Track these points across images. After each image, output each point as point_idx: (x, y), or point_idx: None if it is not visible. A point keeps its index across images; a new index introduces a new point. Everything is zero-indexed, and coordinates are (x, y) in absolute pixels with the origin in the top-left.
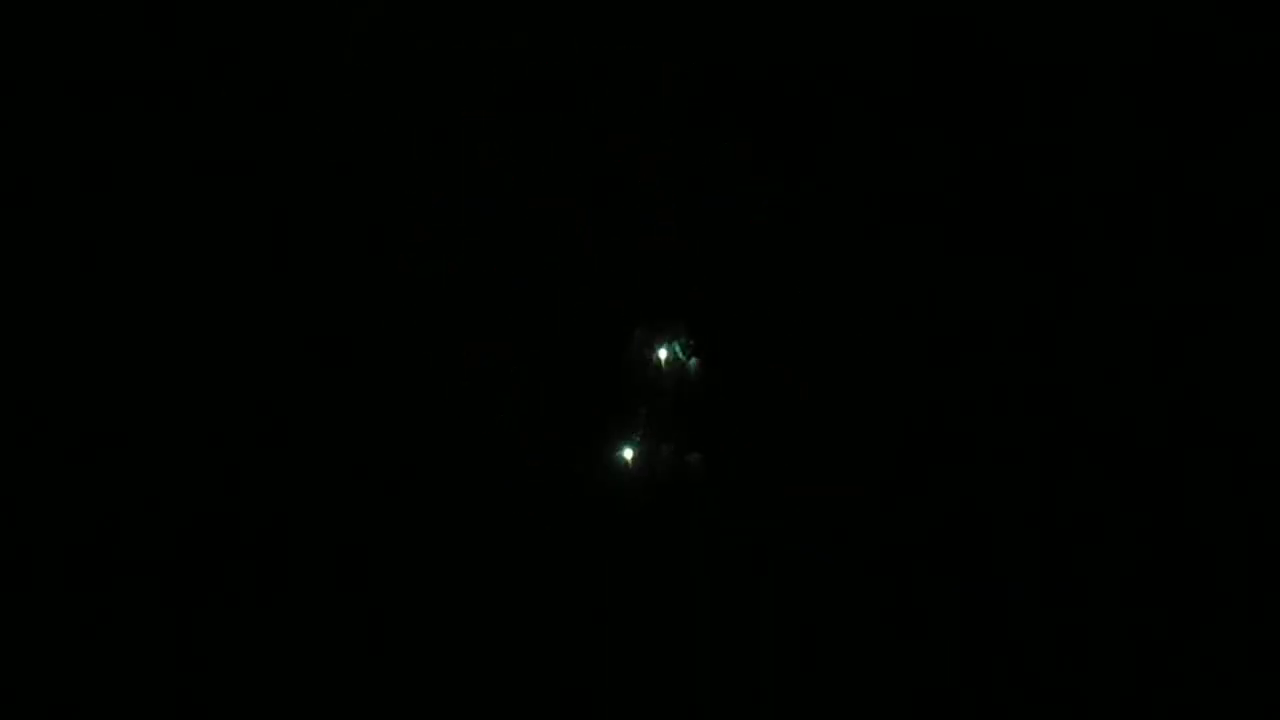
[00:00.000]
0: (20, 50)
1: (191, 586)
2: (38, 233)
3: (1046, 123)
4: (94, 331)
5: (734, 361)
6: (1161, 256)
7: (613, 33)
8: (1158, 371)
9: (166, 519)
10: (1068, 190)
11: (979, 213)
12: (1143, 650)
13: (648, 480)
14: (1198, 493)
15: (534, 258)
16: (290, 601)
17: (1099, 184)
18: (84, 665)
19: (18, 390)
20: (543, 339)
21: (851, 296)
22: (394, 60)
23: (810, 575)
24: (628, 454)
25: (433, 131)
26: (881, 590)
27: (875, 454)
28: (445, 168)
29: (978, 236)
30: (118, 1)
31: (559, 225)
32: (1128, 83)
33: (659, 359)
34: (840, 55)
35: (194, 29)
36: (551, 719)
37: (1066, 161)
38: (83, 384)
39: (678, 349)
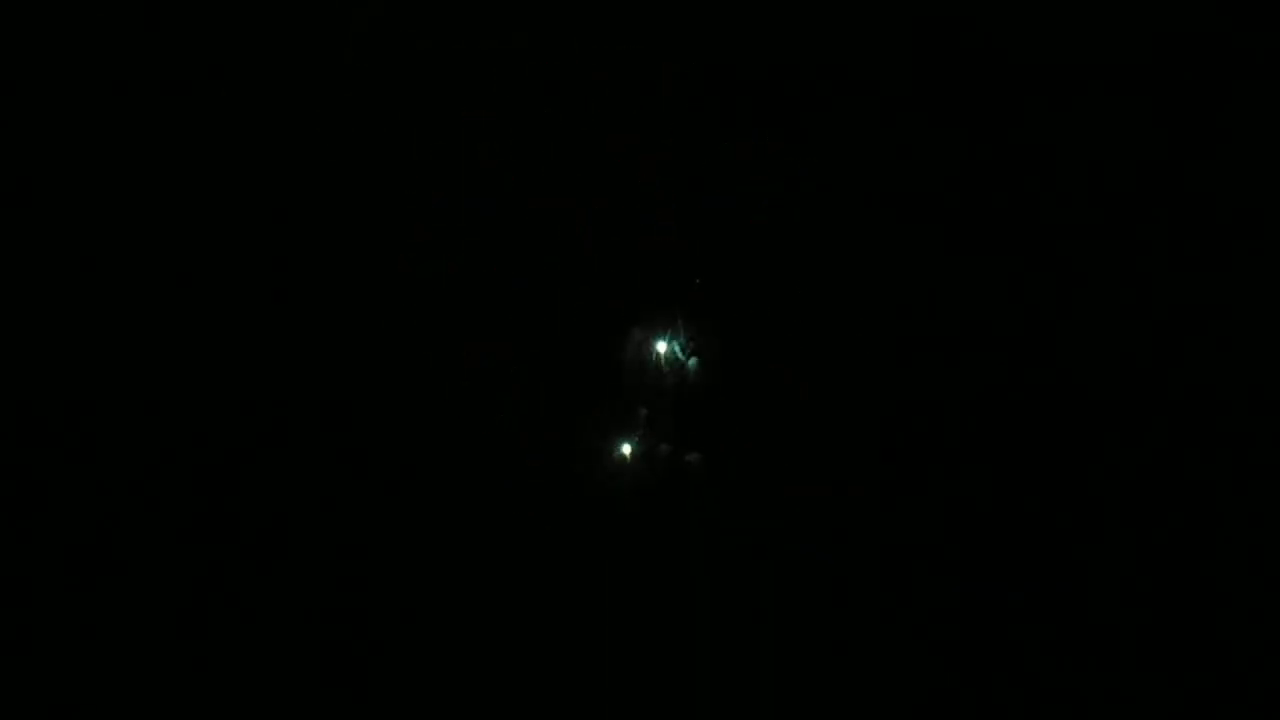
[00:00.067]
0: (20, 50)
1: (191, 586)
2: (38, 233)
3: (1047, 123)
4: (94, 331)
5: (734, 361)
6: (1161, 256)
7: (613, 33)
8: (1158, 371)
9: (166, 519)
10: (1068, 190)
11: (979, 212)
12: (1143, 650)
13: (647, 480)
14: (1198, 493)
15: (534, 258)
16: (290, 600)
17: (1099, 184)
18: (84, 665)
19: (18, 390)
20: (543, 339)
21: (851, 296)
22: (394, 60)
23: (810, 575)
24: (627, 453)
25: (433, 131)
26: (881, 590)
27: (875, 454)
28: (445, 168)
29: (978, 236)
30: (118, 1)
31: (559, 225)
32: (1128, 83)
33: (658, 359)
34: (840, 55)
35: (194, 29)
36: (551, 719)
37: (1067, 161)
38: (83, 384)
39: (677, 349)
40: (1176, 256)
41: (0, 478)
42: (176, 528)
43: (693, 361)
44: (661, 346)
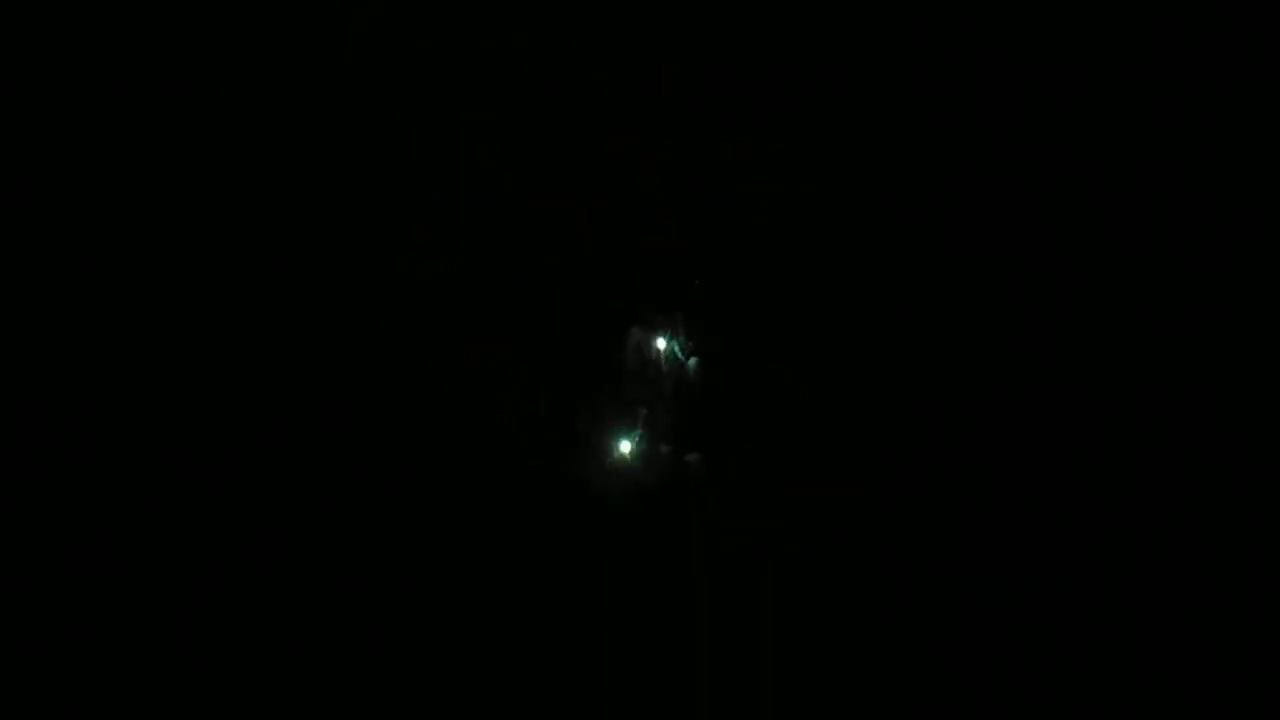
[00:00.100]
0: (20, 50)
1: (191, 586)
2: (38, 233)
3: (1047, 122)
4: (94, 331)
5: (733, 361)
6: (1162, 256)
7: (613, 33)
8: (1157, 371)
9: (167, 519)
10: (1068, 190)
11: (979, 212)
12: (1143, 650)
13: (647, 480)
14: (1198, 493)
15: (534, 258)
16: (290, 600)
17: (1099, 184)
18: (84, 665)
19: (18, 390)
20: (543, 339)
21: (851, 296)
22: (394, 60)
23: (809, 575)
24: (627, 453)
25: (433, 131)
26: (881, 590)
27: (875, 454)
28: (445, 168)
29: (978, 236)
30: (118, 1)
31: (559, 225)
32: (1128, 82)
33: (658, 359)
34: (840, 55)
35: (194, 29)
36: (551, 719)
37: (1067, 161)
38: (83, 384)
39: (676, 349)
40: (1176, 256)
41: (0, 478)
42: (177, 527)
43: (692, 361)
44: (661, 346)
